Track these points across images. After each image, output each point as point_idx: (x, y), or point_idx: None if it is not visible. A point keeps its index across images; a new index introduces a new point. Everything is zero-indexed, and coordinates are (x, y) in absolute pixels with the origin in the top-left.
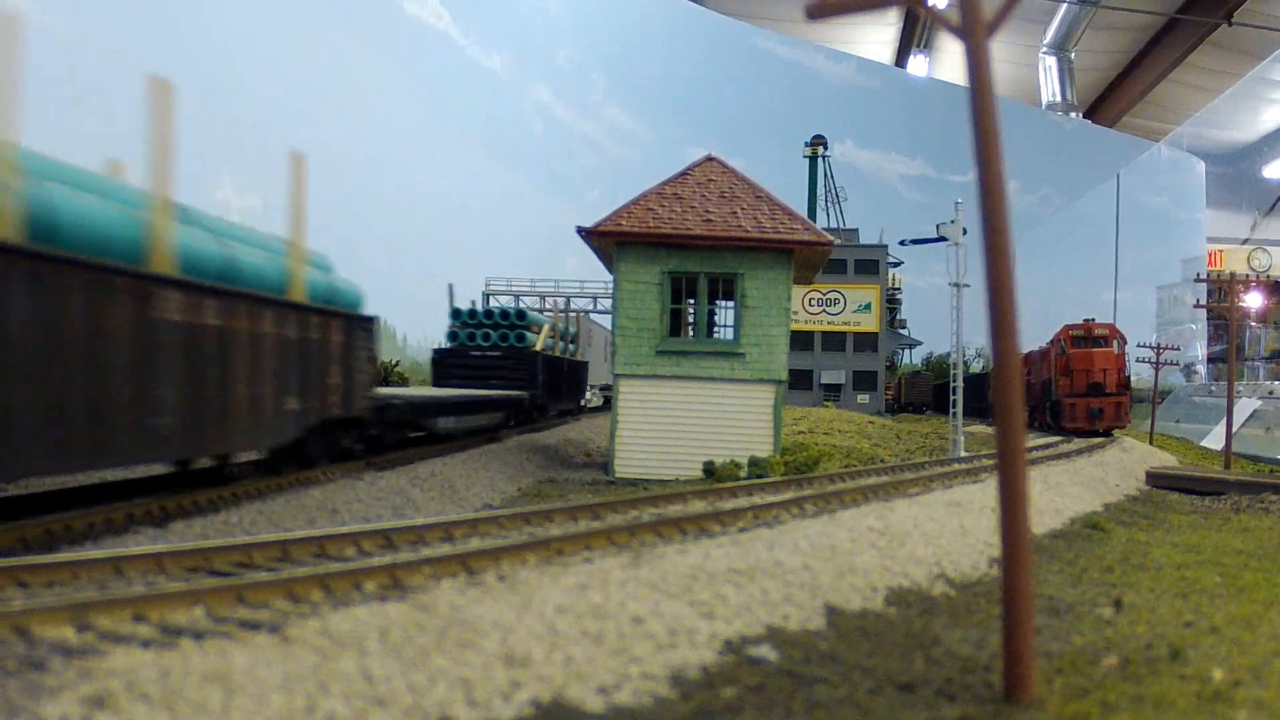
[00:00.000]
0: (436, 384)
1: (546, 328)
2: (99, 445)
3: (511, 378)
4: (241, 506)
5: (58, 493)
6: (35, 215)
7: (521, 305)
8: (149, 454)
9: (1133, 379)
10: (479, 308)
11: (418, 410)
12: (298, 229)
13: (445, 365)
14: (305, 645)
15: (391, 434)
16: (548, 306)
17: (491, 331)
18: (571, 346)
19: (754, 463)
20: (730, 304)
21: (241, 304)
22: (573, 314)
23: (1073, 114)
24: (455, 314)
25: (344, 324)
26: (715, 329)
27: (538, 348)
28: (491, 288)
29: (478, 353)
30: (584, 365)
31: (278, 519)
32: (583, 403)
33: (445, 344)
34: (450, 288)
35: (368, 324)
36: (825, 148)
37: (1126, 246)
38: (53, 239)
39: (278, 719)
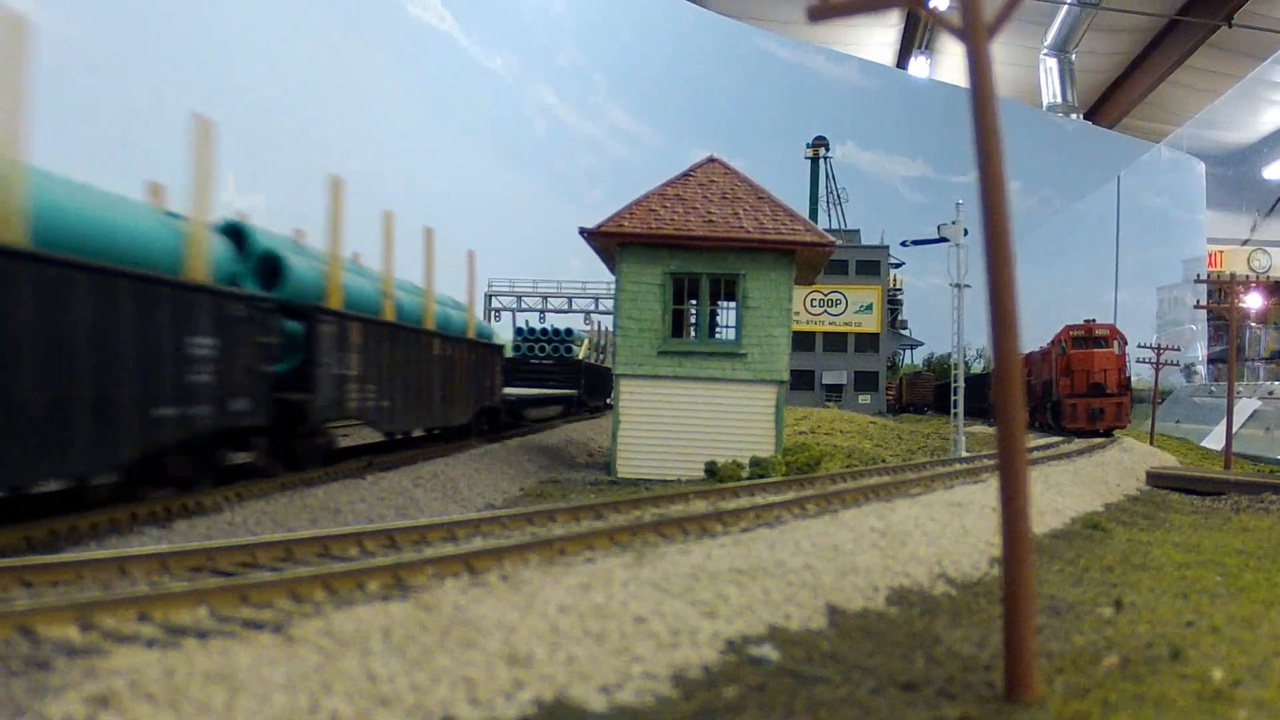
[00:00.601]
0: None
1: (586, 341)
2: (418, 416)
3: (562, 380)
4: (245, 506)
5: (61, 493)
6: (399, 309)
7: (570, 326)
8: (429, 423)
9: (1133, 379)
10: (537, 327)
11: (520, 404)
12: (470, 300)
13: (511, 370)
14: (309, 645)
15: (506, 419)
16: (549, 307)
17: (546, 345)
18: (602, 355)
19: (756, 463)
20: (732, 304)
21: (455, 343)
22: (603, 330)
23: (1073, 115)
24: (518, 331)
25: (490, 349)
26: (717, 329)
27: (580, 357)
28: (494, 288)
29: (535, 361)
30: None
31: (281, 519)
32: (608, 400)
33: (511, 354)
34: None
35: (500, 349)
36: (827, 149)
37: (1127, 247)
38: (402, 318)
39: (281, 718)
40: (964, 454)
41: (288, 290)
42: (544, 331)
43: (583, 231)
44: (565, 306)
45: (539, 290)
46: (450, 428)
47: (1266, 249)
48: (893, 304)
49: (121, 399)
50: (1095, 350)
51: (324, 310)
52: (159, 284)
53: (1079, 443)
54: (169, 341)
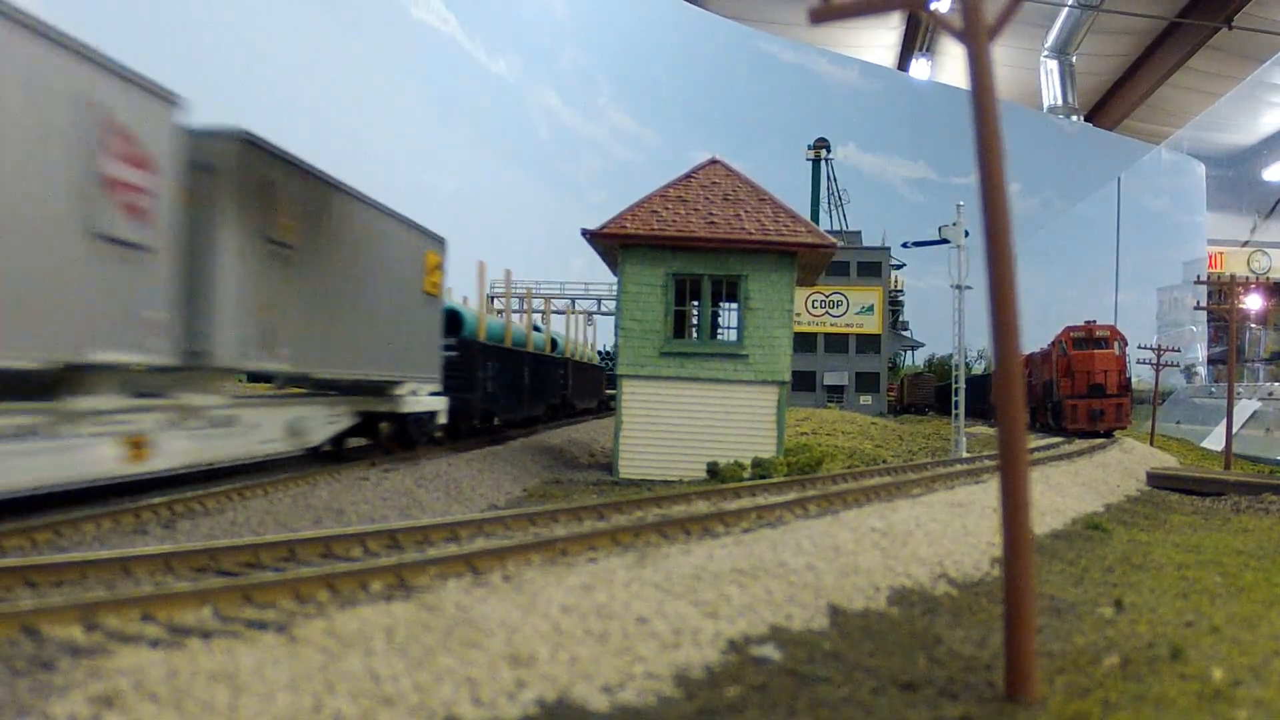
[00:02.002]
0: None
1: None
2: (584, 403)
3: None
4: (248, 506)
5: (66, 493)
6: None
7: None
8: (585, 406)
9: (1133, 380)
10: (602, 349)
11: (610, 398)
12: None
13: None
14: (312, 645)
15: (605, 406)
16: (553, 309)
17: (610, 360)
18: None
19: (757, 463)
20: (734, 305)
21: (592, 368)
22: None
23: (1074, 117)
24: (597, 354)
25: (601, 369)
26: (719, 330)
27: None
28: (496, 289)
29: (607, 371)
30: None
31: (284, 519)
32: None
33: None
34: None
35: (604, 369)
36: (828, 150)
37: (1127, 249)
38: (606, 363)
39: (285, 718)
40: (965, 455)
41: (557, 352)
42: (609, 351)
43: (585, 233)
44: (569, 308)
45: (541, 292)
46: (588, 409)
47: (1266, 250)
48: (894, 305)
49: (544, 391)
50: (1096, 351)
51: (568, 359)
52: (552, 358)
53: (1079, 443)
54: (553, 375)
